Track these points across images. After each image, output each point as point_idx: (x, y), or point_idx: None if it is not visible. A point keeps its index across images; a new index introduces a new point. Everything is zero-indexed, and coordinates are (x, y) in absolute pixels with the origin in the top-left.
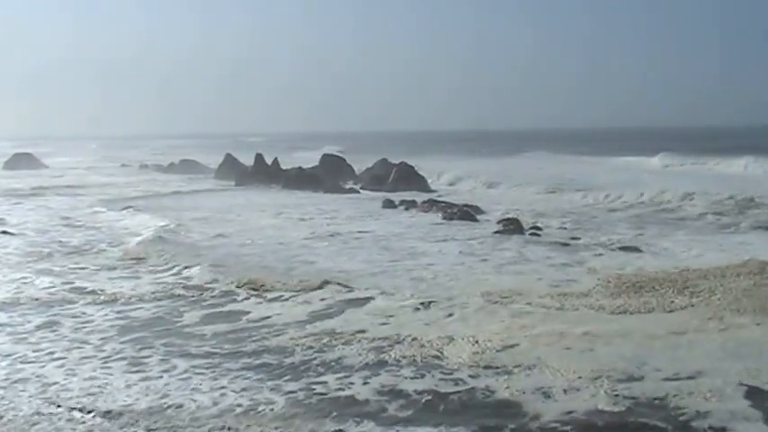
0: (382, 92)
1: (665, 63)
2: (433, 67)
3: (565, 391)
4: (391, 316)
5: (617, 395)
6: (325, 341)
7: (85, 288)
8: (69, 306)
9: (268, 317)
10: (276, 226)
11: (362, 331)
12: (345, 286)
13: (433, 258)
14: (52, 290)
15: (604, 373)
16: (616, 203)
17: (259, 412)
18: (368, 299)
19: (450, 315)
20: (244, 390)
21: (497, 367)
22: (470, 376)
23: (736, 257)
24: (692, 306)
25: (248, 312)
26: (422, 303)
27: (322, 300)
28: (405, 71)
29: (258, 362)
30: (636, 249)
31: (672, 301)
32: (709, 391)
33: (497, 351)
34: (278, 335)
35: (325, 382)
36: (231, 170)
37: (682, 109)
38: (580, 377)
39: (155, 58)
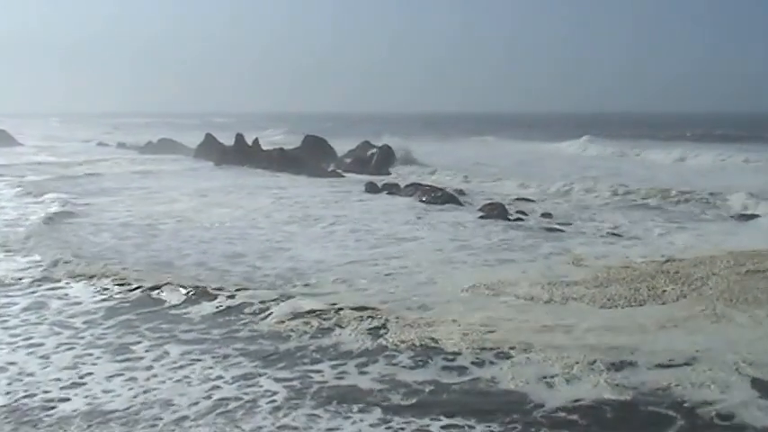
0: (353, 73)
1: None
2: (406, 48)
3: (567, 380)
4: (368, 315)
5: (617, 384)
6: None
7: None
8: None
9: None
10: (253, 209)
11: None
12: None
13: (414, 245)
14: None
15: (600, 362)
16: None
17: None
18: (336, 293)
19: (429, 309)
20: None
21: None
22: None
23: (715, 246)
24: (685, 297)
25: None
26: (397, 295)
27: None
28: (379, 51)
29: None
30: (622, 237)
31: (663, 291)
32: (711, 381)
33: (484, 336)
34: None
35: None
36: (211, 150)
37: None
38: (576, 363)
39: (122, 36)
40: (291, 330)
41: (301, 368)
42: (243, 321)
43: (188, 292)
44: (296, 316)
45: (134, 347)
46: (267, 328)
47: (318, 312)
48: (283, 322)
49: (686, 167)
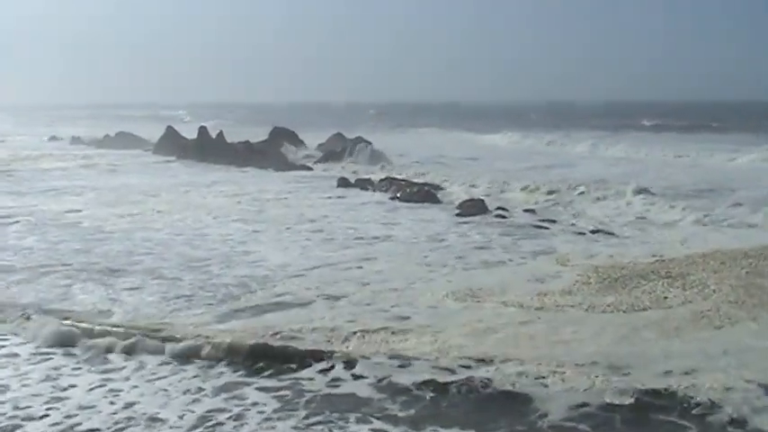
0: (298, 61)
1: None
2: (354, 37)
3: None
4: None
5: (622, 393)
6: None
7: None
8: None
9: None
10: (215, 207)
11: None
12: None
13: (388, 246)
14: None
15: (605, 371)
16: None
17: None
18: (304, 303)
19: (405, 318)
20: None
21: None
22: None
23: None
24: (690, 302)
25: None
26: (368, 304)
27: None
28: (322, 40)
29: None
30: (611, 234)
31: (665, 297)
32: (724, 387)
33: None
34: None
35: None
36: (172, 144)
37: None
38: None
39: (61, 23)
40: None
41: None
42: None
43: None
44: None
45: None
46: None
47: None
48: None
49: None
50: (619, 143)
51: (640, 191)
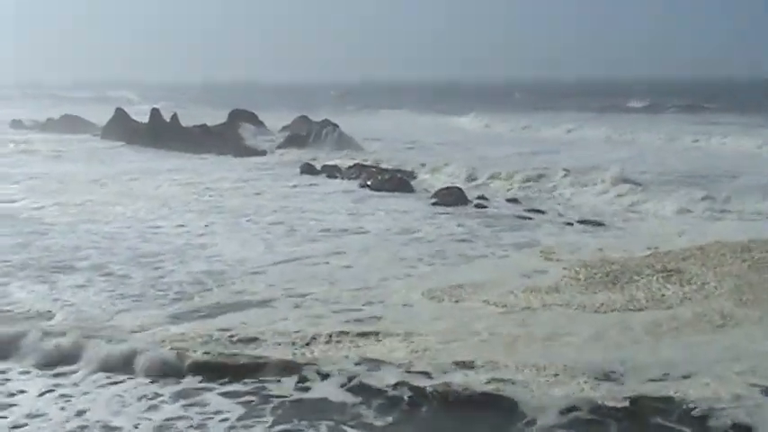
0: (257, 39)
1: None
2: (312, 11)
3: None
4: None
5: (614, 397)
6: None
7: None
8: None
9: None
10: (169, 197)
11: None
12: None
13: (358, 239)
14: None
15: (596, 376)
16: None
17: None
18: (265, 302)
19: (377, 319)
20: None
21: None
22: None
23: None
24: (689, 300)
25: None
26: (335, 303)
27: None
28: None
29: None
30: (601, 225)
31: (662, 294)
32: (725, 392)
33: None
34: None
35: None
36: (122, 128)
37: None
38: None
39: None
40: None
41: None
42: None
43: None
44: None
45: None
46: None
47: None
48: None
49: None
50: (603, 125)
51: (631, 178)
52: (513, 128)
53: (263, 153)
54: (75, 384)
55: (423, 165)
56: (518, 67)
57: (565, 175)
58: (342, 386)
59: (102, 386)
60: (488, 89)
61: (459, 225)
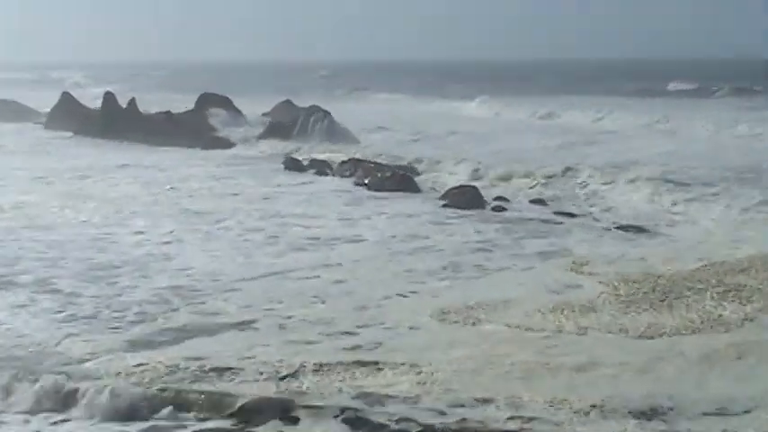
0: (233, 13)
1: None
2: None
3: None
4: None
5: None
6: None
7: None
8: None
9: None
10: (125, 198)
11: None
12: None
13: (353, 249)
14: None
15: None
16: None
17: None
18: (243, 324)
19: (377, 346)
20: None
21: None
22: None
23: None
24: (751, 321)
25: None
26: (327, 325)
27: None
28: None
29: None
30: (643, 231)
31: (719, 315)
32: None
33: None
34: None
35: None
36: (70, 116)
37: None
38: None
39: None
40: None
41: None
42: None
43: None
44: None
45: None
46: None
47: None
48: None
49: None
50: (638, 112)
51: (677, 175)
52: (531, 115)
53: (238, 145)
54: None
55: (428, 159)
56: (532, 47)
57: (597, 172)
58: (335, 419)
59: None
60: (498, 70)
61: (474, 231)
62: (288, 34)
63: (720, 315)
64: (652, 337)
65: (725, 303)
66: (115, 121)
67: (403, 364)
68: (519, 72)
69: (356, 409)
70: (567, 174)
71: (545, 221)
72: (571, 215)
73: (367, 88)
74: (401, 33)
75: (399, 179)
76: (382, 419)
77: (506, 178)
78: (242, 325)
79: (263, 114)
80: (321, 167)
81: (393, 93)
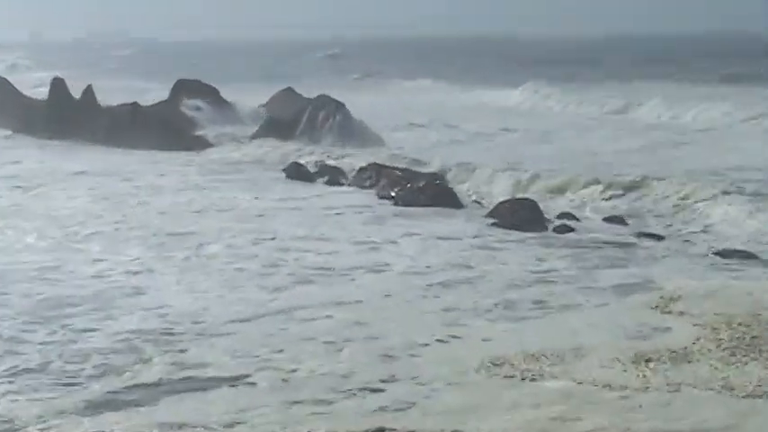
0: None
1: None
2: None
3: None
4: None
5: None
6: None
7: None
8: None
9: None
10: (79, 215)
11: None
12: None
13: (377, 280)
14: None
15: None
16: None
17: None
18: (233, 380)
19: (409, 406)
20: None
21: None
22: None
23: None
24: None
25: None
26: (344, 378)
27: None
28: None
29: None
30: (752, 258)
31: None
32: None
33: None
34: None
35: None
36: (7, 108)
37: None
38: None
39: None
40: None
41: None
42: None
43: None
44: None
45: None
46: None
47: None
48: None
49: None
50: (745, 104)
51: None
52: (596, 106)
53: (226, 146)
54: None
55: (470, 165)
56: (591, 20)
57: (690, 181)
58: None
59: None
60: (545, 48)
61: (534, 258)
62: (286, 6)
63: None
64: (761, 396)
65: None
66: (66, 116)
67: (442, 431)
68: (577, 52)
69: None
70: (650, 184)
71: (623, 245)
72: (657, 237)
73: (383, 72)
74: (422, 2)
75: (435, 191)
76: None
77: (572, 188)
78: (233, 380)
79: (260, 106)
80: (333, 176)
81: (416, 78)
